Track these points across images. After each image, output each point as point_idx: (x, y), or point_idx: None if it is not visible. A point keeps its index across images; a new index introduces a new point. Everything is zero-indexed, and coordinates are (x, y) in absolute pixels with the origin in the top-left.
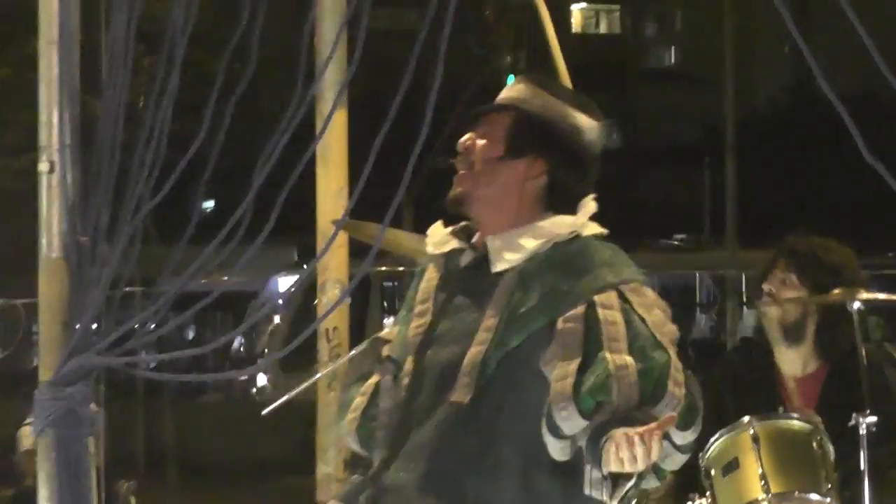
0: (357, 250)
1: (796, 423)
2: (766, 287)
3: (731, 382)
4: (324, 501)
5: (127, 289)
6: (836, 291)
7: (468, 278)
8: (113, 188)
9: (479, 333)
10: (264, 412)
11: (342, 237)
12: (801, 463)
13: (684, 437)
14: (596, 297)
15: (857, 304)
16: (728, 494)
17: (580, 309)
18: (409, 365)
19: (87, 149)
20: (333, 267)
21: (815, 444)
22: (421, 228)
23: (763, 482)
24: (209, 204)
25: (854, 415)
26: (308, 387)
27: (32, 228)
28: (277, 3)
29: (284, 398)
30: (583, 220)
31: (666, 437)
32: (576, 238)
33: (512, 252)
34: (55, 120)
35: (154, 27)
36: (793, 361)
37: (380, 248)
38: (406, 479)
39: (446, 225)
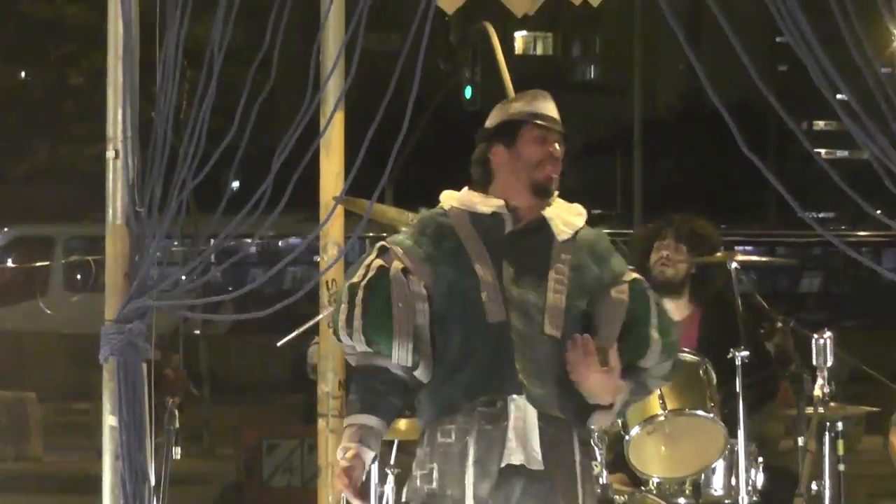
0: (351, 220)
1: (687, 356)
2: (660, 253)
3: None
4: (323, 414)
5: (174, 247)
6: (719, 254)
7: (520, 240)
8: (163, 171)
9: (551, 284)
10: (279, 343)
11: (340, 209)
12: (691, 387)
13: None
14: (635, 276)
15: (734, 264)
16: (635, 413)
17: (625, 285)
18: (492, 296)
19: (143, 140)
20: (332, 232)
21: (701, 372)
22: (401, 204)
23: (661, 402)
24: (236, 184)
25: (731, 349)
26: (312, 324)
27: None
28: (291, 28)
29: (295, 332)
30: None
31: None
32: None
33: (568, 227)
34: (119, 118)
35: (196, 46)
36: (673, 310)
37: (368, 217)
38: (543, 394)
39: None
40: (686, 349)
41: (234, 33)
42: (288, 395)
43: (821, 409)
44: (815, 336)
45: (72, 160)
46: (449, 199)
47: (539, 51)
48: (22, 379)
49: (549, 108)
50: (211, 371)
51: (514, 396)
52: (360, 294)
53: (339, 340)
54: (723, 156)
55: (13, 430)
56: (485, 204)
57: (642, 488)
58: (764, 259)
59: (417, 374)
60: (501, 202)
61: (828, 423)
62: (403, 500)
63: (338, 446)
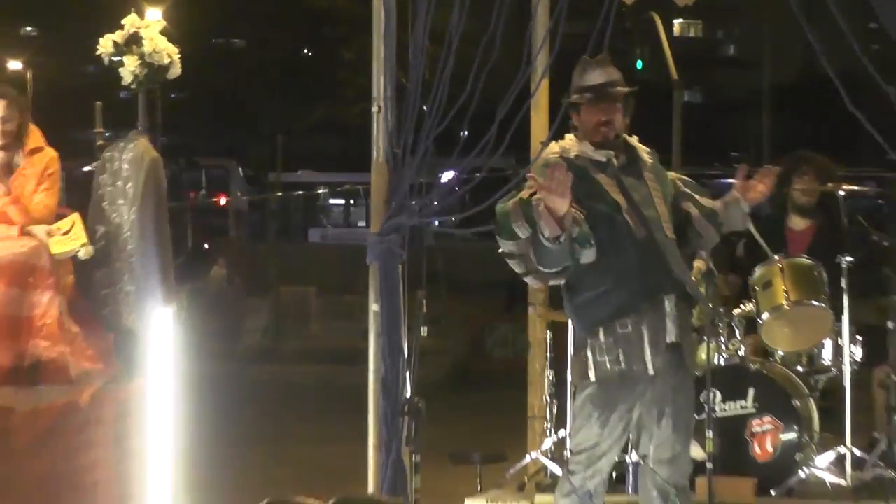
0: None
1: (805, 260)
2: (803, 180)
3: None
4: (532, 303)
5: (421, 181)
6: (831, 185)
7: (628, 172)
8: (413, 124)
9: (656, 200)
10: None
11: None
12: (808, 283)
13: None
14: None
15: (841, 192)
16: (764, 300)
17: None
18: (632, 218)
19: (399, 100)
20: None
21: (815, 273)
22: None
23: (786, 293)
24: (466, 133)
25: (838, 256)
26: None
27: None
28: (509, 16)
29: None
30: None
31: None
32: None
33: (647, 156)
34: (382, 82)
35: (438, 29)
36: (800, 223)
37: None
38: (689, 283)
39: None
40: (804, 255)
41: (466, 19)
42: (503, 290)
43: None
44: None
45: (343, 118)
46: (572, 147)
47: (692, 34)
48: (306, 278)
49: (596, 76)
50: (446, 273)
51: (671, 300)
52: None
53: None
54: (833, 114)
55: (299, 316)
56: (598, 154)
57: (770, 359)
58: (864, 188)
59: (584, 257)
60: (611, 152)
61: None
62: (580, 382)
63: (543, 328)
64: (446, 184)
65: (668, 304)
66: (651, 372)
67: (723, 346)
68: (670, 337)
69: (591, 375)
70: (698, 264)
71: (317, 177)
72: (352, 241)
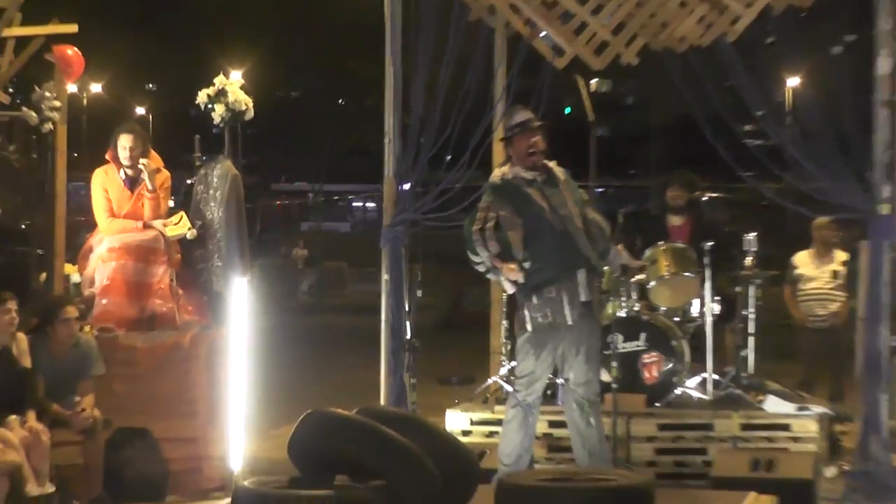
0: None
1: (680, 245)
2: (673, 193)
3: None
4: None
5: (418, 190)
6: (697, 193)
7: (548, 185)
8: (413, 150)
9: (569, 203)
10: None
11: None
12: (682, 260)
13: None
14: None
15: (704, 198)
16: (652, 272)
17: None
18: (552, 217)
19: (403, 135)
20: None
21: (687, 254)
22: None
23: (667, 267)
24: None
25: (702, 242)
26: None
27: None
28: (480, 77)
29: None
30: None
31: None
32: None
33: (560, 174)
34: (391, 122)
35: (430, 80)
36: (677, 221)
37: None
38: (595, 260)
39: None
40: (681, 242)
41: (449, 79)
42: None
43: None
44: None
45: (367, 145)
46: (509, 171)
47: (604, 88)
48: (341, 256)
49: (520, 116)
50: (434, 252)
51: (582, 274)
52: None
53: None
54: (701, 143)
55: (337, 282)
56: (527, 174)
57: (656, 312)
58: (720, 195)
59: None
60: (535, 173)
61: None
62: (520, 331)
63: (500, 292)
64: (436, 191)
65: (581, 275)
66: (570, 322)
67: (624, 304)
68: (582, 297)
69: (528, 326)
70: (620, 249)
71: (348, 187)
72: (371, 231)
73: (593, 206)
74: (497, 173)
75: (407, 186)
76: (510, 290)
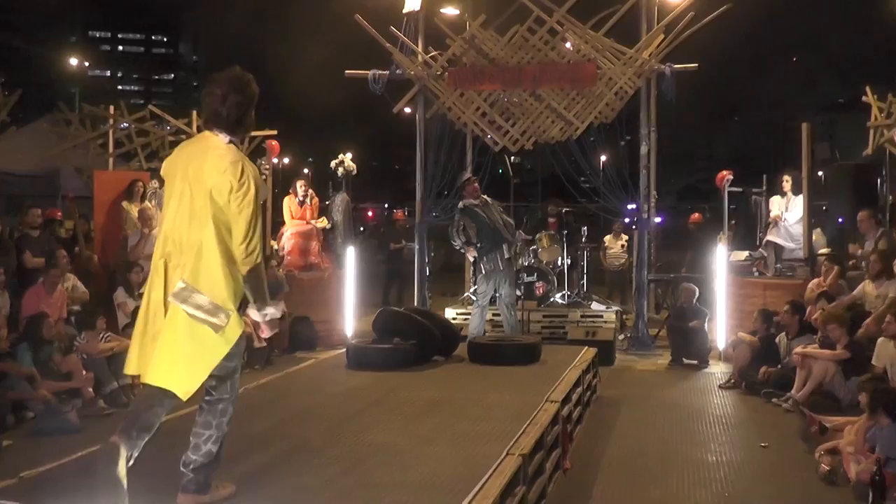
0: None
1: (552, 232)
2: (550, 207)
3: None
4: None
5: (430, 207)
6: (561, 207)
7: (484, 206)
8: (428, 192)
9: (495, 213)
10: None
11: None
12: (553, 239)
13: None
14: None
15: (564, 210)
16: (540, 244)
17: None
18: (488, 222)
19: (424, 182)
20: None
21: (556, 236)
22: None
23: (546, 242)
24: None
25: (564, 230)
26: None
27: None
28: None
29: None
30: None
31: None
32: None
33: (490, 200)
34: (419, 180)
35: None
36: (550, 220)
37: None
38: (509, 239)
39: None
40: (552, 231)
41: (443, 152)
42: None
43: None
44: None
45: (408, 187)
46: (467, 202)
47: (518, 160)
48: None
49: (467, 175)
50: (439, 235)
51: (504, 246)
52: (459, 230)
53: (454, 241)
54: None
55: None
56: (475, 201)
57: (542, 263)
58: (571, 209)
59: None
60: (478, 201)
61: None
62: (479, 274)
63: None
64: (439, 212)
65: (504, 247)
66: (501, 268)
67: (525, 260)
68: (506, 256)
69: (483, 270)
70: (521, 233)
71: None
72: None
73: (507, 215)
74: (461, 203)
75: (427, 205)
76: (471, 258)
